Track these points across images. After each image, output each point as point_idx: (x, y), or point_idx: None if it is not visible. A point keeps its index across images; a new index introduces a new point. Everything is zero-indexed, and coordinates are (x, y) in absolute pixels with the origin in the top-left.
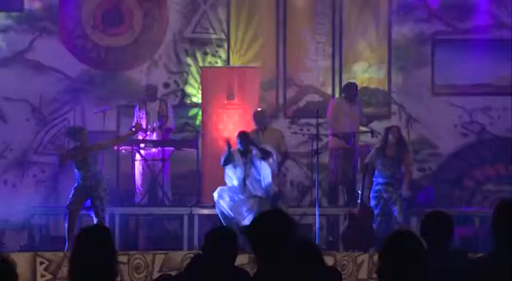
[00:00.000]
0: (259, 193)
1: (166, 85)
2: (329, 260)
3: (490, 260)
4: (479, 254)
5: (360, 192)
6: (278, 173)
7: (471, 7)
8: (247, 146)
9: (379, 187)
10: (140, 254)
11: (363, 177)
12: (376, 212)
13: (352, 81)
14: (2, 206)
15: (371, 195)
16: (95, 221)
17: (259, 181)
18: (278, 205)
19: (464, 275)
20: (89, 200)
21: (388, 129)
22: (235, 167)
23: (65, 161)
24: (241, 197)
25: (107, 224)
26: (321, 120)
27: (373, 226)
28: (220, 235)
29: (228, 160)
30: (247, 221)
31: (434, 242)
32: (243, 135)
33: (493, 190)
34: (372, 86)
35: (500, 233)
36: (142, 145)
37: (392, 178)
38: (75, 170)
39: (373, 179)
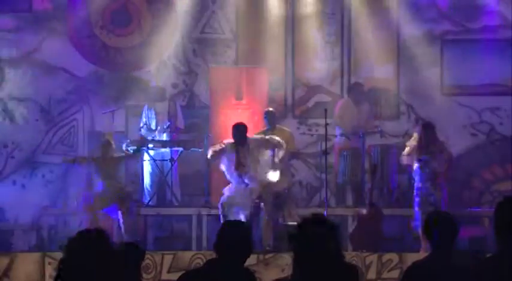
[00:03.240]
0: (255, 184)
1: (174, 85)
2: None
3: (494, 261)
4: (488, 255)
5: (368, 192)
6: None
7: (480, 7)
8: (243, 137)
9: None
10: (149, 255)
11: (371, 177)
12: None
13: (357, 81)
14: (10, 206)
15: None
16: (122, 226)
17: (255, 171)
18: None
19: (468, 276)
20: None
21: None
22: (229, 160)
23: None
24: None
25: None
26: (329, 121)
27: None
28: (234, 232)
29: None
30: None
31: (437, 243)
32: (239, 127)
33: (502, 190)
34: (381, 86)
35: (502, 231)
36: (151, 145)
37: None
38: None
39: None
